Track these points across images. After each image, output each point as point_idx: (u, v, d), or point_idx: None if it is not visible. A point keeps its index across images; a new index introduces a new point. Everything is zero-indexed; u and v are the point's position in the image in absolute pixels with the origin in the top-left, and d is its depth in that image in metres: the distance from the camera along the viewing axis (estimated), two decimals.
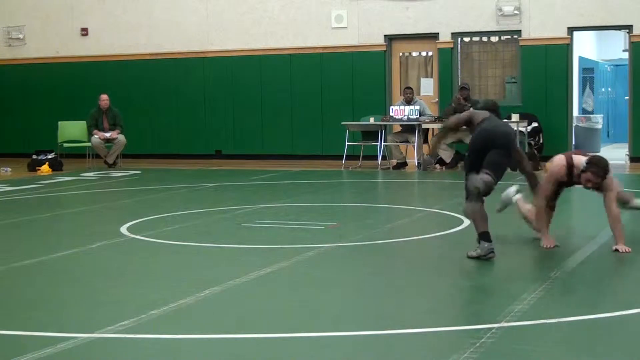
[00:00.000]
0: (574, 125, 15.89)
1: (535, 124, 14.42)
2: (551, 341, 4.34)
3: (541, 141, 14.54)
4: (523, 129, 13.75)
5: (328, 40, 15.91)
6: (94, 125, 15.32)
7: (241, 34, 16.43)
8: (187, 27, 16.76)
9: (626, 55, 15.47)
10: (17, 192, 11.56)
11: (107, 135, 15.22)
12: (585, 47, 18.93)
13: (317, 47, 15.97)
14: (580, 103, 18.90)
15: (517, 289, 5.33)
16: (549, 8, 14.69)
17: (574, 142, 15.75)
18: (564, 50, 14.67)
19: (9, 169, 14.73)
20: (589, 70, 19.39)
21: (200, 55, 16.70)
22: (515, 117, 13.60)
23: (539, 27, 14.74)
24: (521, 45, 14.89)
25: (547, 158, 14.21)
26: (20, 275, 6.26)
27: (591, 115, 18.45)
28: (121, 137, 15.28)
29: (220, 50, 16.58)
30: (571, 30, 14.70)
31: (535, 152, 14.16)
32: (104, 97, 15.44)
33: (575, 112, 17.50)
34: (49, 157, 15.05)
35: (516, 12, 14.78)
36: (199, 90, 16.79)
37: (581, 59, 18.44)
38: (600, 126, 18.11)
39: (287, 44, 16.14)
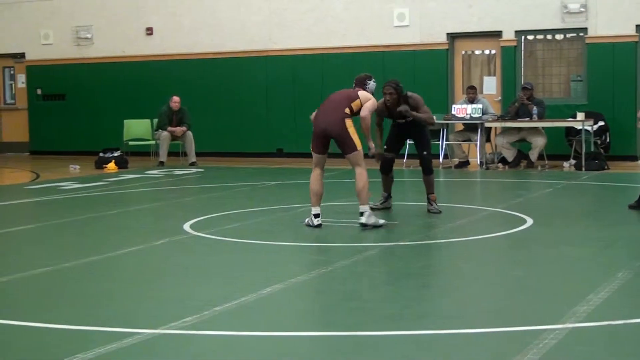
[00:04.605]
0: None
1: (601, 123, 14.14)
2: (616, 343, 4.26)
3: (608, 140, 14.25)
4: (589, 128, 13.52)
5: (390, 38, 15.86)
6: (167, 124, 15.43)
7: (303, 33, 16.48)
8: (250, 26, 16.87)
9: None
10: (85, 190, 11.80)
11: (175, 130, 15.33)
12: None
13: (379, 46, 15.93)
14: None
15: (582, 290, 5.26)
16: (616, 5, 14.39)
17: None
18: (631, 48, 14.37)
19: (78, 167, 15.05)
20: None
21: (263, 54, 16.80)
22: (580, 115, 13.38)
23: (606, 25, 14.46)
24: (587, 43, 14.63)
25: (614, 158, 14.12)
26: (87, 272, 6.39)
27: None
28: (189, 134, 15.45)
29: (282, 49, 16.65)
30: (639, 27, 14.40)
31: (602, 151, 13.90)
32: (176, 99, 15.54)
33: None
34: (115, 155, 15.33)
35: (582, 9, 14.52)
36: (261, 89, 16.89)
37: None
38: None
39: (349, 43, 16.14)
